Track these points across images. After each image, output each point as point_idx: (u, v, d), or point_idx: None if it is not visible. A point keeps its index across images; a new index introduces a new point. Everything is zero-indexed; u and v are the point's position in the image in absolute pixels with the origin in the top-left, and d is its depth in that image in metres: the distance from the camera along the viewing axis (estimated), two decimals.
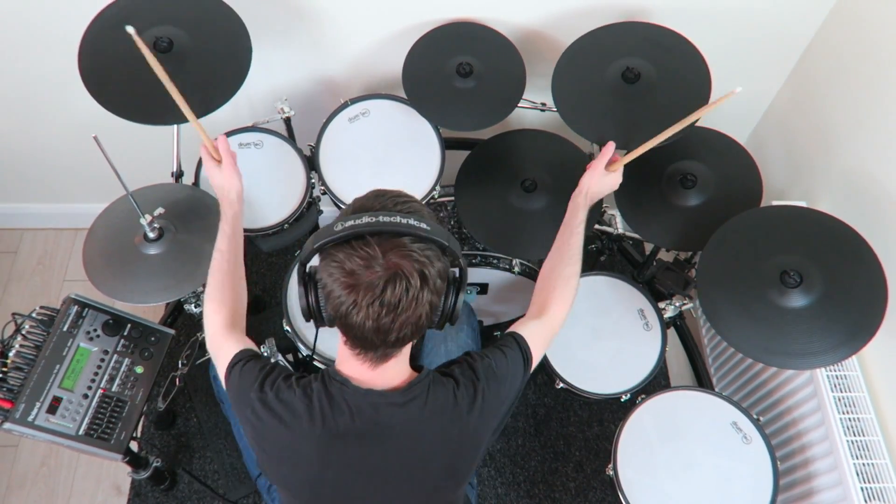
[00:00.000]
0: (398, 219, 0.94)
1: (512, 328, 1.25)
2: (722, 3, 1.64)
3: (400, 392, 1.05)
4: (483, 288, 1.92)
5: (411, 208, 0.98)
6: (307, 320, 1.03)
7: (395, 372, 1.07)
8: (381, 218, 0.93)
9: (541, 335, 1.26)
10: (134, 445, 1.62)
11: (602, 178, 1.45)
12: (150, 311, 2.18)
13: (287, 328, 1.65)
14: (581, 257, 1.38)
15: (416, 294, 0.94)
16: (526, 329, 1.25)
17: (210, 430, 2.06)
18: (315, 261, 1.01)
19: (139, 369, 1.53)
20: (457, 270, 1.03)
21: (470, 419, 1.09)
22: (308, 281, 1.01)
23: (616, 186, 1.50)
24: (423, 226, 0.95)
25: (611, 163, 1.46)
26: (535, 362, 1.24)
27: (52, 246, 2.40)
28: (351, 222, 0.93)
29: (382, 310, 0.93)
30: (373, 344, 0.99)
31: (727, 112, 1.77)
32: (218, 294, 1.29)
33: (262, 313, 2.26)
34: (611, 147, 1.45)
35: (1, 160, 2.14)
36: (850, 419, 1.45)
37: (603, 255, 1.99)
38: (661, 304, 1.68)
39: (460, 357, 1.17)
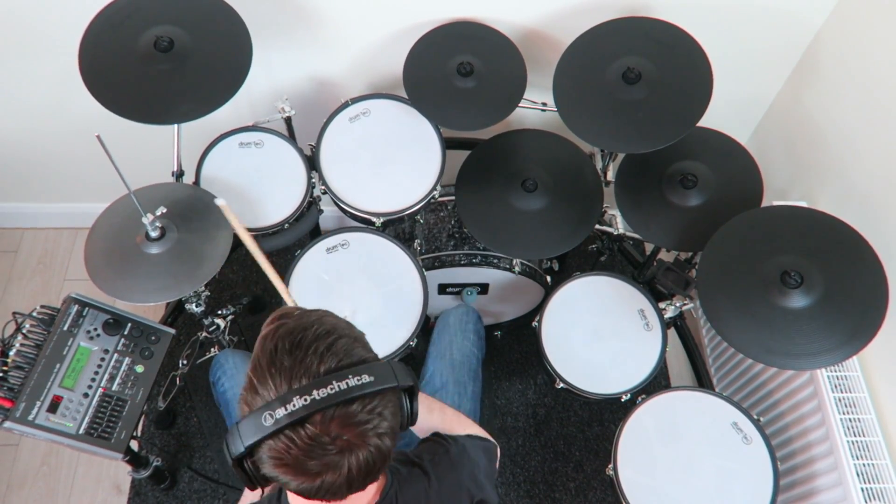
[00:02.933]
0: (336, 386, 0.78)
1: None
2: (723, 3, 1.64)
3: None
4: (483, 288, 1.92)
5: (339, 353, 0.82)
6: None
7: (357, 496, 0.92)
8: (315, 395, 0.77)
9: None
10: (134, 445, 1.62)
11: None
12: (150, 310, 2.18)
13: None
14: (432, 413, 1.22)
15: (379, 448, 0.81)
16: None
17: (210, 430, 2.06)
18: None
19: (139, 368, 1.53)
20: (413, 383, 0.90)
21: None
22: (252, 474, 0.84)
23: None
24: (366, 379, 0.80)
25: None
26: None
27: (53, 245, 2.40)
28: (282, 410, 0.77)
29: (350, 481, 0.81)
30: (339, 496, 0.85)
31: (727, 112, 1.78)
32: None
33: (262, 313, 2.27)
34: None
35: (1, 160, 2.14)
36: (850, 420, 1.45)
37: (603, 256, 2.00)
38: (662, 305, 1.68)
39: (434, 440, 1.10)
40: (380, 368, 0.83)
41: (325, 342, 0.82)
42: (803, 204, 1.65)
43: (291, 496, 0.96)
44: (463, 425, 1.25)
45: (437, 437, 1.12)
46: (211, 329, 1.85)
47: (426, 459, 1.05)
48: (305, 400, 0.77)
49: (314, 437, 0.78)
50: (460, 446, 1.10)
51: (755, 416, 1.50)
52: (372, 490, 0.96)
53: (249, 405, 0.82)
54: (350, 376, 0.79)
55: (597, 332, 1.65)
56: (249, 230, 1.61)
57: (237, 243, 1.71)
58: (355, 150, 1.69)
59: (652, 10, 1.63)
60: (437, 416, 1.23)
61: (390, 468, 1.01)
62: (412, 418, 0.93)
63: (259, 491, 1.01)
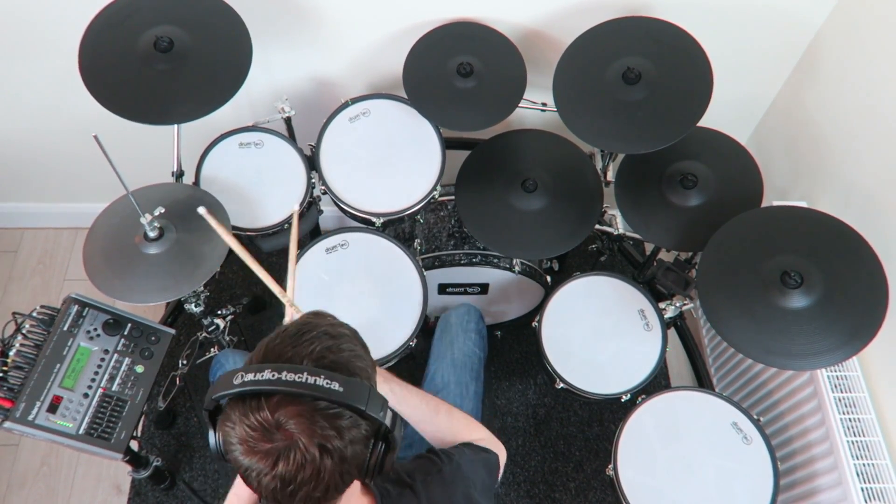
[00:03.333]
0: (304, 377, 0.78)
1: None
2: (723, 3, 1.64)
3: None
4: (483, 288, 1.92)
5: (328, 357, 0.83)
6: (220, 461, 0.89)
7: None
8: (283, 375, 0.78)
9: (489, 444, 1.19)
10: (134, 445, 1.62)
11: None
12: (150, 310, 2.18)
13: None
14: (424, 402, 1.21)
15: (316, 468, 0.79)
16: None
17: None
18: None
19: (139, 369, 1.53)
20: (383, 421, 0.85)
21: None
22: (217, 423, 0.87)
23: None
24: (335, 387, 0.79)
25: None
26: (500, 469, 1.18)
27: (53, 245, 2.40)
28: (251, 376, 0.79)
29: (277, 482, 0.79)
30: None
31: (728, 112, 1.77)
32: None
33: (262, 313, 2.27)
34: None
35: (1, 160, 2.14)
36: (850, 419, 1.45)
37: (603, 256, 2.00)
38: (662, 305, 1.68)
39: (427, 457, 1.08)
40: (356, 386, 0.81)
41: (326, 341, 0.84)
42: (803, 204, 1.65)
43: None
44: (470, 429, 1.23)
45: (431, 454, 1.10)
46: (211, 329, 1.85)
47: (418, 479, 1.03)
48: (273, 375, 0.79)
49: (265, 418, 0.78)
50: (455, 465, 1.08)
51: (755, 416, 1.50)
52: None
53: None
54: (322, 376, 0.79)
55: (597, 333, 1.65)
56: (249, 230, 1.62)
57: None
58: (355, 151, 1.69)
59: (652, 10, 1.63)
60: (443, 419, 1.22)
61: (379, 489, 0.99)
62: (378, 467, 0.87)
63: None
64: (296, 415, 0.78)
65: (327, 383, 0.79)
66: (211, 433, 0.88)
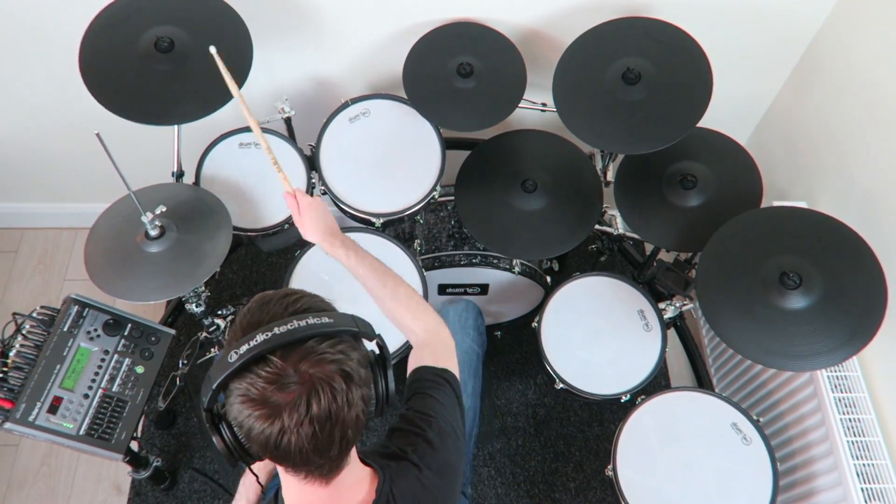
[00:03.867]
0: (294, 324, 0.81)
1: (416, 364, 1.17)
2: (723, 3, 1.64)
3: None
4: (483, 288, 1.92)
5: (302, 306, 0.87)
6: (233, 466, 0.91)
7: (353, 488, 0.96)
8: (276, 330, 0.81)
9: (440, 352, 1.19)
10: (134, 445, 1.62)
11: (315, 221, 1.28)
12: (150, 310, 2.18)
13: None
14: (384, 274, 1.26)
15: (346, 396, 0.82)
16: (425, 358, 1.17)
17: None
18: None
19: (140, 369, 1.53)
20: (375, 349, 0.92)
21: (440, 489, 1.04)
22: (219, 424, 0.87)
23: (322, 203, 1.31)
24: (325, 320, 0.83)
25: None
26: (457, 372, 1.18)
27: (53, 246, 2.40)
28: (245, 346, 0.80)
29: (314, 426, 0.80)
30: (315, 464, 0.86)
31: (728, 112, 1.78)
32: None
33: None
34: (287, 197, 1.30)
35: (1, 160, 2.14)
36: (850, 420, 1.45)
37: (603, 256, 2.00)
38: (662, 305, 1.68)
39: (408, 430, 1.08)
40: (341, 316, 0.86)
41: (291, 297, 0.88)
42: (803, 204, 1.65)
43: (287, 499, 0.96)
44: (412, 312, 1.23)
45: (405, 423, 1.09)
46: (211, 329, 1.85)
47: (409, 451, 1.04)
48: (266, 335, 0.80)
49: (277, 368, 0.80)
50: (436, 427, 1.07)
51: (755, 417, 1.50)
52: (365, 487, 0.97)
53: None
54: (310, 317, 0.83)
55: (597, 333, 1.65)
56: (249, 231, 1.62)
57: (236, 244, 1.71)
58: (355, 151, 1.69)
59: (652, 11, 1.63)
60: (388, 294, 1.24)
61: (379, 465, 1.00)
62: (388, 395, 0.93)
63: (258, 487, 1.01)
64: (304, 356, 0.81)
65: (317, 320, 0.83)
66: (216, 438, 0.87)
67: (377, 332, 0.92)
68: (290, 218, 1.64)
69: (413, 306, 1.25)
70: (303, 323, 0.82)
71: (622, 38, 1.54)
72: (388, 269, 1.28)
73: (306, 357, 0.81)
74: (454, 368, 1.17)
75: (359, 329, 0.87)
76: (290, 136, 1.76)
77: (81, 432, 1.43)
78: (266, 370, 0.80)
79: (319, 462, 0.86)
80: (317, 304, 0.88)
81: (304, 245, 1.66)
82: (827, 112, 1.70)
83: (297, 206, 1.28)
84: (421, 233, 1.89)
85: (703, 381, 1.89)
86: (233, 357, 0.80)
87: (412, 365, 1.17)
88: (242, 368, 0.81)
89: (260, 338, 0.80)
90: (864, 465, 1.40)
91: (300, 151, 1.71)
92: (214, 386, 0.83)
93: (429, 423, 1.08)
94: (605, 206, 1.72)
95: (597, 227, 1.77)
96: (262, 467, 1.28)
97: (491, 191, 1.66)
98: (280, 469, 0.91)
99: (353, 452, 0.94)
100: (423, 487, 1.02)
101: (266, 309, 0.86)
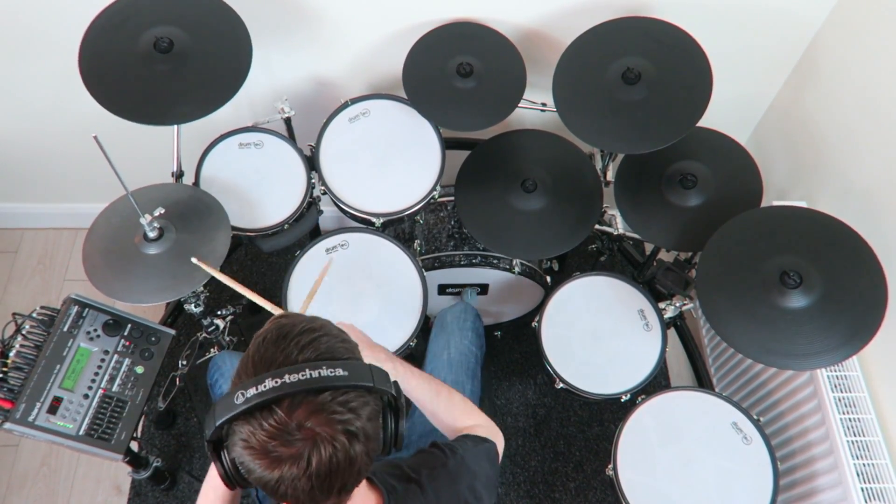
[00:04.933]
0: (308, 373, 0.79)
1: (464, 433, 1.16)
2: (722, 3, 1.64)
3: None
4: (483, 288, 1.92)
5: (320, 349, 0.83)
6: (231, 489, 0.89)
7: None
8: (287, 378, 0.78)
9: (484, 433, 1.18)
10: (134, 445, 1.62)
11: None
12: (150, 311, 2.18)
13: None
14: (427, 382, 1.25)
15: (348, 454, 0.80)
16: (481, 432, 1.17)
17: None
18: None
19: (139, 369, 1.53)
20: (391, 391, 0.88)
21: None
22: (221, 452, 0.85)
23: (355, 331, 1.27)
24: (340, 372, 0.80)
25: None
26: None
27: (52, 246, 2.40)
28: (253, 390, 0.78)
29: (312, 481, 0.79)
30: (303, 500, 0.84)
31: (728, 112, 1.78)
32: None
33: (262, 313, 2.26)
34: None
35: (1, 160, 2.14)
36: (850, 419, 1.45)
37: (603, 256, 2.00)
38: (662, 305, 1.68)
39: (431, 452, 1.08)
40: (357, 367, 0.83)
41: (309, 336, 0.84)
42: (803, 204, 1.65)
43: None
44: (468, 414, 1.24)
45: (434, 447, 1.10)
46: (210, 329, 1.85)
47: (423, 474, 1.03)
48: (276, 382, 0.78)
49: (281, 422, 0.78)
50: (458, 458, 1.08)
51: (755, 416, 1.50)
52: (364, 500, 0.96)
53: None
54: (324, 367, 0.80)
55: (596, 333, 1.65)
56: (249, 231, 1.62)
57: (236, 244, 1.71)
58: (355, 151, 1.69)
59: (652, 10, 1.63)
60: (443, 401, 1.23)
61: (385, 485, 0.99)
62: (396, 439, 0.90)
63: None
64: (311, 411, 0.78)
65: (331, 372, 0.80)
66: (218, 465, 0.86)
67: (392, 382, 0.89)
68: (289, 218, 1.64)
69: (468, 409, 1.25)
70: (315, 374, 0.79)
71: (622, 38, 1.54)
72: (430, 378, 1.27)
73: (313, 414, 0.78)
74: (498, 449, 1.16)
75: (374, 384, 0.83)
76: (290, 136, 1.76)
77: (81, 432, 1.43)
78: (270, 422, 0.78)
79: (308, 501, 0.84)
80: (336, 350, 0.85)
81: (304, 245, 1.66)
82: (827, 112, 1.70)
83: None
84: (421, 233, 1.89)
85: (703, 381, 1.89)
86: (239, 399, 0.78)
87: (457, 433, 1.19)
88: (247, 412, 0.79)
89: (269, 384, 0.78)
90: (864, 464, 1.40)
91: (300, 151, 1.71)
92: (217, 423, 0.81)
93: (454, 453, 1.08)
94: (605, 205, 1.72)
95: (597, 226, 1.77)
96: None
97: (491, 191, 1.66)
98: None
99: (361, 484, 0.93)
100: None
101: (282, 346, 0.83)
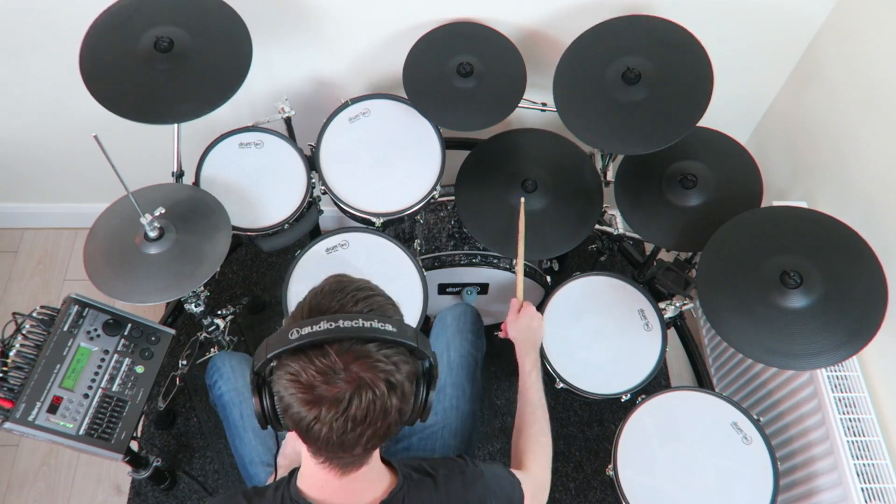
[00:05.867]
0: (360, 322, 0.84)
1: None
2: (723, 2, 1.64)
3: None
4: (483, 288, 1.92)
5: (373, 305, 0.90)
6: (263, 427, 0.94)
7: (366, 485, 0.99)
8: (341, 323, 0.84)
9: (526, 483, 1.19)
10: (134, 445, 1.62)
11: (522, 328, 1.46)
12: (150, 310, 2.18)
13: None
14: (545, 411, 1.36)
15: (385, 404, 0.85)
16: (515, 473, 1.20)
17: (210, 430, 2.07)
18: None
19: (139, 369, 1.53)
20: (426, 363, 0.95)
21: None
22: (262, 387, 0.91)
23: (541, 318, 1.52)
24: (389, 328, 0.86)
25: (519, 309, 1.49)
26: None
27: (53, 246, 2.40)
28: (308, 329, 0.83)
29: (348, 424, 0.84)
30: (337, 454, 0.90)
31: (728, 112, 1.78)
32: None
33: (262, 313, 2.27)
34: (513, 302, 1.51)
35: (1, 160, 2.14)
36: (850, 419, 1.45)
37: (603, 256, 2.00)
38: (662, 305, 1.68)
39: (449, 458, 1.11)
40: (404, 327, 0.89)
41: (364, 293, 0.91)
42: (803, 204, 1.65)
43: (301, 476, 0.99)
44: (537, 462, 1.28)
45: (460, 457, 1.12)
46: (211, 329, 1.85)
47: (440, 473, 1.06)
48: (330, 325, 0.83)
49: (331, 362, 0.83)
50: (478, 471, 1.10)
51: (755, 416, 1.50)
52: (381, 488, 0.99)
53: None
54: (375, 320, 0.85)
55: (597, 332, 1.65)
56: (249, 231, 1.62)
57: (236, 244, 1.71)
58: (355, 151, 1.69)
59: (652, 9, 1.63)
60: (532, 432, 1.32)
61: (403, 472, 1.02)
62: (425, 409, 0.94)
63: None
64: (358, 357, 0.84)
65: (381, 325, 0.85)
66: (257, 400, 0.91)
67: (432, 351, 0.94)
68: (290, 218, 1.64)
69: (542, 460, 1.30)
70: (367, 324, 0.85)
71: (622, 38, 1.54)
72: (546, 409, 1.36)
73: (360, 358, 0.84)
74: (527, 499, 1.17)
75: (417, 345, 0.89)
76: (290, 136, 1.76)
77: (81, 432, 1.43)
78: (320, 360, 0.83)
79: (341, 454, 0.89)
80: (386, 309, 0.91)
81: (304, 245, 1.66)
82: (827, 112, 1.70)
83: (518, 310, 1.46)
84: (421, 233, 1.89)
85: (703, 381, 1.89)
86: (294, 335, 0.84)
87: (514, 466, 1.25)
88: (298, 349, 0.84)
89: (324, 325, 0.83)
90: (864, 464, 1.40)
91: (300, 151, 1.71)
92: (269, 356, 0.85)
93: (475, 467, 1.10)
94: (605, 205, 1.72)
95: (597, 226, 1.77)
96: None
97: (491, 191, 1.66)
98: (303, 446, 0.94)
99: (376, 454, 0.97)
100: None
101: (338, 297, 0.89)
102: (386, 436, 0.89)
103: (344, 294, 0.89)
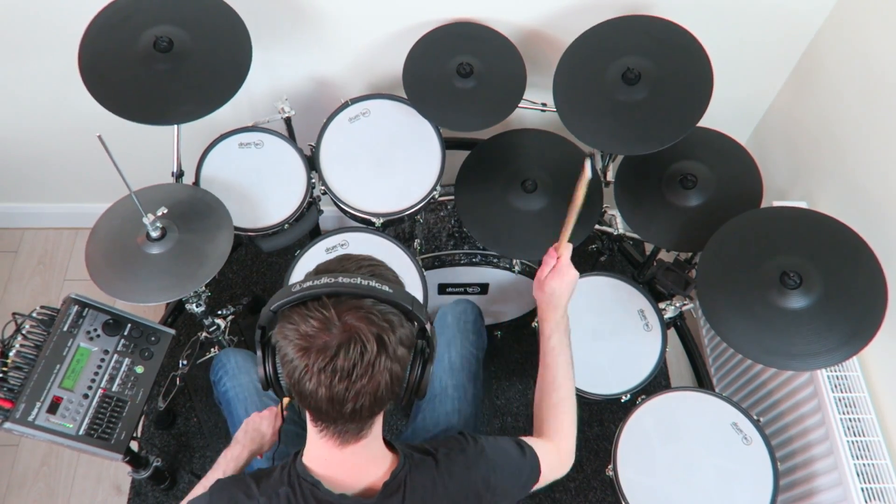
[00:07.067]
0: (358, 280, 0.89)
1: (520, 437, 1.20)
2: (723, 2, 1.64)
3: (375, 499, 0.99)
4: (483, 288, 1.92)
5: (375, 272, 0.94)
6: (265, 389, 0.98)
7: (369, 463, 1.00)
8: (340, 279, 0.89)
9: (546, 454, 1.20)
10: (134, 445, 1.62)
11: (555, 283, 1.32)
12: (150, 310, 2.18)
13: None
14: (568, 379, 1.32)
15: (372, 360, 0.87)
16: (532, 442, 1.20)
17: (210, 430, 2.07)
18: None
19: (139, 369, 1.53)
20: (424, 320, 0.96)
21: (451, 499, 1.04)
22: (266, 346, 0.96)
23: (574, 282, 1.34)
24: (385, 288, 0.90)
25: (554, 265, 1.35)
26: (542, 479, 1.18)
27: (53, 246, 2.40)
28: (309, 283, 0.89)
29: (335, 376, 0.86)
30: (329, 416, 0.92)
31: (727, 112, 1.78)
32: None
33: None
34: (550, 252, 1.37)
35: (1, 160, 2.14)
36: (850, 419, 1.45)
37: (603, 256, 2.00)
38: (662, 305, 1.68)
39: (450, 436, 1.12)
40: (402, 292, 0.92)
41: (368, 262, 0.96)
42: (803, 204, 1.65)
43: (306, 453, 1.01)
44: (559, 432, 1.30)
45: (461, 434, 1.13)
46: (211, 329, 1.85)
47: (441, 451, 1.07)
48: (330, 279, 0.89)
49: (328, 314, 0.87)
50: (479, 447, 1.10)
51: (755, 417, 1.50)
52: (383, 468, 1.01)
53: None
54: (373, 280, 0.90)
55: (596, 332, 1.65)
56: (249, 231, 1.62)
57: (236, 244, 1.71)
58: (355, 151, 1.69)
59: (652, 9, 1.63)
60: (545, 401, 1.32)
61: (404, 453, 1.03)
62: (420, 384, 0.96)
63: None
64: (353, 308, 0.87)
65: (378, 284, 0.90)
66: (259, 354, 0.96)
67: (427, 316, 0.97)
68: (290, 218, 1.64)
69: (565, 428, 1.31)
70: (365, 283, 0.89)
71: (622, 38, 1.54)
72: (570, 373, 1.33)
73: (355, 310, 0.87)
74: (541, 467, 1.19)
75: (412, 308, 0.92)
76: (290, 136, 1.76)
77: (81, 432, 1.43)
78: (318, 311, 0.87)
79: (333, 416, 0.91)
80: (387, 277, 0.95)
81: (304, 245, 1.66)
82: (827, 112, 1.70)
83: (555, 265, 1.35)
84: (421, 232, 1.89)
85: (703, 381, 1.89)
86: (296, 288, 0.89)
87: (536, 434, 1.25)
88: (300, 303, 0.89)
89: (324, 279, 0.89)
90: (864, 464, 1.40)
91: (300, 151, 1.71)
92: (273, 307, 0.91)
93: (476, 443, 1.11)
94: (605, 206, 1.72)
95: (597, 227, 1.77)
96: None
97: (491, 191, 1.66)
98: (307, 417, 0.97)
99: (376, 431, 0.99)
100: (435, 486, 1.03)
101: (343, 264, 0.94)
102: (375, 399, 0.90)
103: (350, 261, 0.95)
